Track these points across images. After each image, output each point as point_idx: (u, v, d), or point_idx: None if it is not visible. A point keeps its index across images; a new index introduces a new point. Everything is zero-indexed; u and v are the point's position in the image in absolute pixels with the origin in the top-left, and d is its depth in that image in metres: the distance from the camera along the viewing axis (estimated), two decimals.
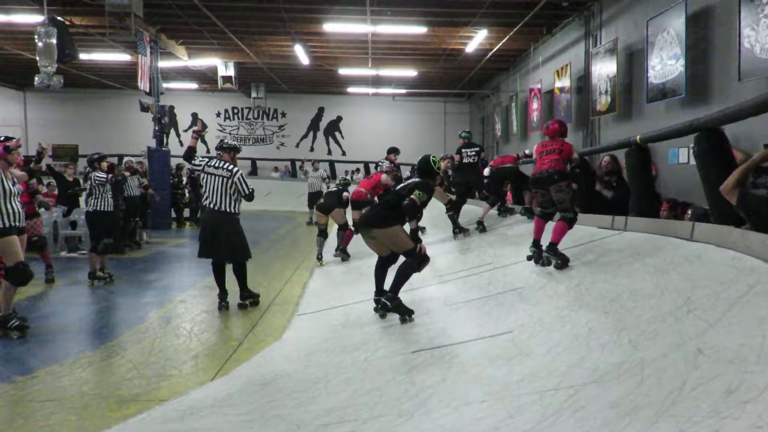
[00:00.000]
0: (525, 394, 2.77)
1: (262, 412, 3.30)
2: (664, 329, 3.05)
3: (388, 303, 4.94)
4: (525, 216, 8.35)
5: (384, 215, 5.14)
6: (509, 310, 4.49)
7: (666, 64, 8.48)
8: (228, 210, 6.11)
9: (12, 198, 5.27)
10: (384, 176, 8.91)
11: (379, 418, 2.89)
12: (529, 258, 5.70)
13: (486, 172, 9.03)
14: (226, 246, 6.14)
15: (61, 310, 6.43)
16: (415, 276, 5.11)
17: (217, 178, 6.10)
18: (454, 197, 8.97)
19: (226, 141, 6.51)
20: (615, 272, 4.52)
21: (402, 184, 5.53)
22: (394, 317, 4.96)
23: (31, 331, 5.42)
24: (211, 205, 6.11)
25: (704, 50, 7.99)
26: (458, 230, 8.64)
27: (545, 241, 5.44)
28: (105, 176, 7.85)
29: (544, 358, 3.24)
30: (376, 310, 5.24)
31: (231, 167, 6.17)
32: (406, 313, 4.90)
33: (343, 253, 8.85)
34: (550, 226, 5.52)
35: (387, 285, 5.11)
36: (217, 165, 6.17)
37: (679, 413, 2.08)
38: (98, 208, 7.82)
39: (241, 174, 6.23)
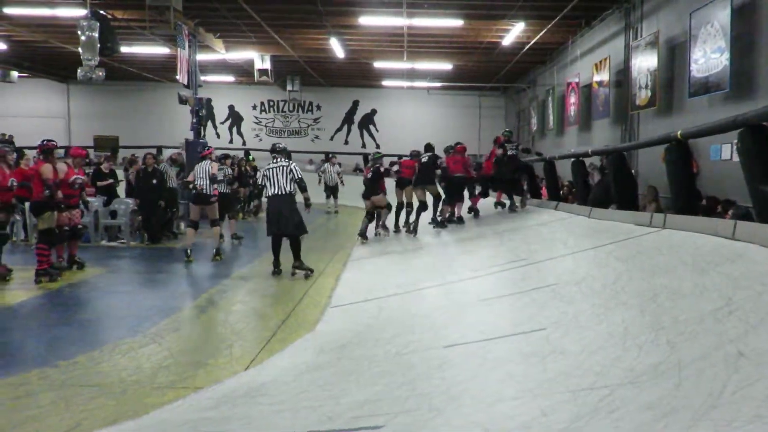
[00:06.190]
0: (558, 392, 2.73)
1: (294, 403, 3.34)
2: (704, 330, 2.98)
3: (438, 220, 9.92)
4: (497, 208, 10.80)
5: (432, 178, 9.94)
6: (543, 307, 4.43)
7: (709, 57, 8.24)
8: (288, 191, 7.46)
9: None
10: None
11: (410, 412, 2.89)
12: (496, 206, 10.56)
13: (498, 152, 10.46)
14: (290, 222, 7.39)
15: (101, 297, 6.60)
16: (448, 270, 6.38)
17: (278, 169, 7.50)
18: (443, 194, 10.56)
19: (278, 145, 7.83)
20: (653, 270, 4.42)
21: (424, 160, 10.01)
22: (425, 308, 5.07)
23: (73, 316, 5.61)
24: (275, 191, 7.42)
25: (750, 44, 7.75)
26: (434, 223, 10.33)
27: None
28: (232, 171, 10.54)
29: (579, 356, 3.19)
30: (434, 225, 10.03)
31: (289, 161, 7.65)
32: (442, 226, 9.92)
33: (383, 229, 10.43)
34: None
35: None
36: (276, 162, 7.57)
37: (718, 417, 2.02)
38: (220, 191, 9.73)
39: (296, 165, 7.68)
